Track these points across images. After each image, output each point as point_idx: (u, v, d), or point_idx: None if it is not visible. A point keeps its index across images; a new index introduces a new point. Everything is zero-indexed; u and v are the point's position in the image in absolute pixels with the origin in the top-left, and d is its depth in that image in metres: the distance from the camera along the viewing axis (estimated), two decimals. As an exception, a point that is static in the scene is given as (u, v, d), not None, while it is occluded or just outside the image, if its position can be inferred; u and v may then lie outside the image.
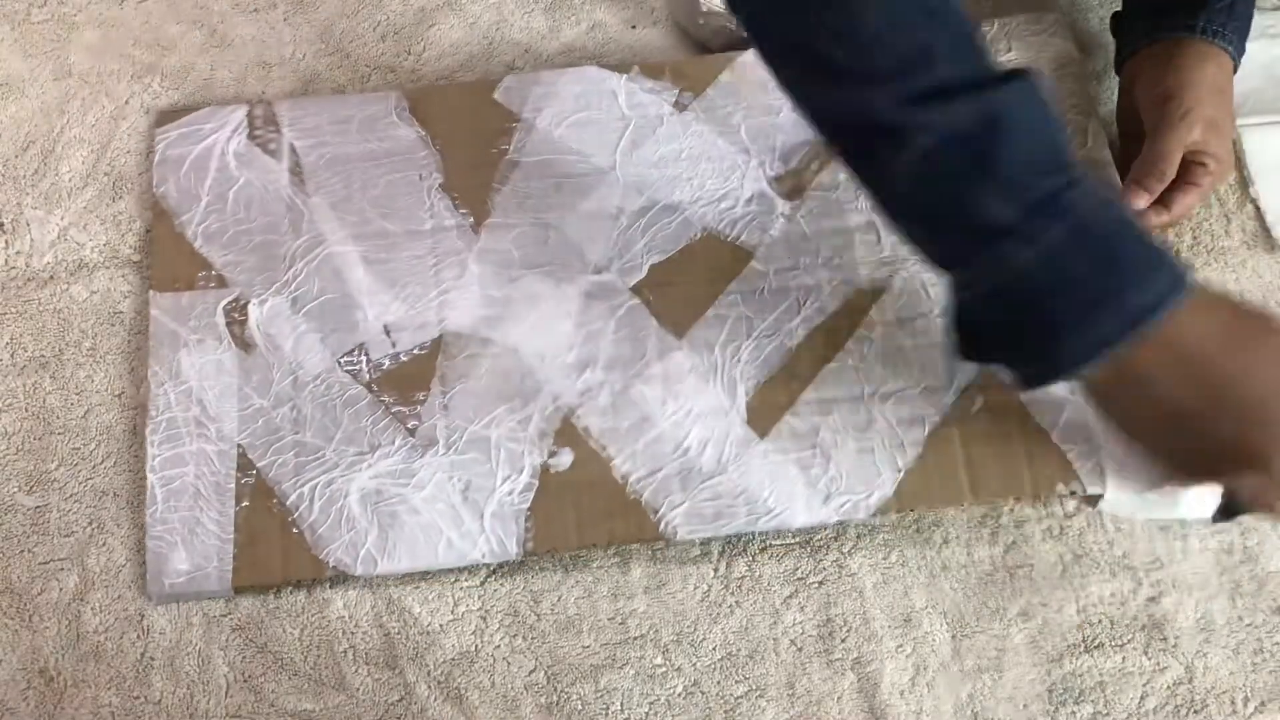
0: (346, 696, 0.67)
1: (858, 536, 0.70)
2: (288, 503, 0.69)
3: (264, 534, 0.68)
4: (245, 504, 0.69)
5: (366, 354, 0.72)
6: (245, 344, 0.72)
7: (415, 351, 0.72)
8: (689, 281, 0.73)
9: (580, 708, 0.67)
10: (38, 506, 0.72)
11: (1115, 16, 0.78)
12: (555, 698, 0.67)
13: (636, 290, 0.73)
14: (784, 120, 0.77)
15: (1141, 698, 0.66)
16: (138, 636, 0.69)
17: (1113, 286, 0.53)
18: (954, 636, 0.67)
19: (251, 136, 0.78)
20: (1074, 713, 0.66)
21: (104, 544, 0.71)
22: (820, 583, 0.69)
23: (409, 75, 0.84)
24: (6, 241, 0.79)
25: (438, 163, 0.77)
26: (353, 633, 0.69)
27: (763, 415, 0.70)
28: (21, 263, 0.78)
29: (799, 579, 0.69)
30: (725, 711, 0.67)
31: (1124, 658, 0.67)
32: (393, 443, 0.70)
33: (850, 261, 0.73)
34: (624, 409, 0.70)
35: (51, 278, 0.77)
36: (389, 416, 0.70)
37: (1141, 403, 0.55)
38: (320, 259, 0.74)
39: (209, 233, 0.75)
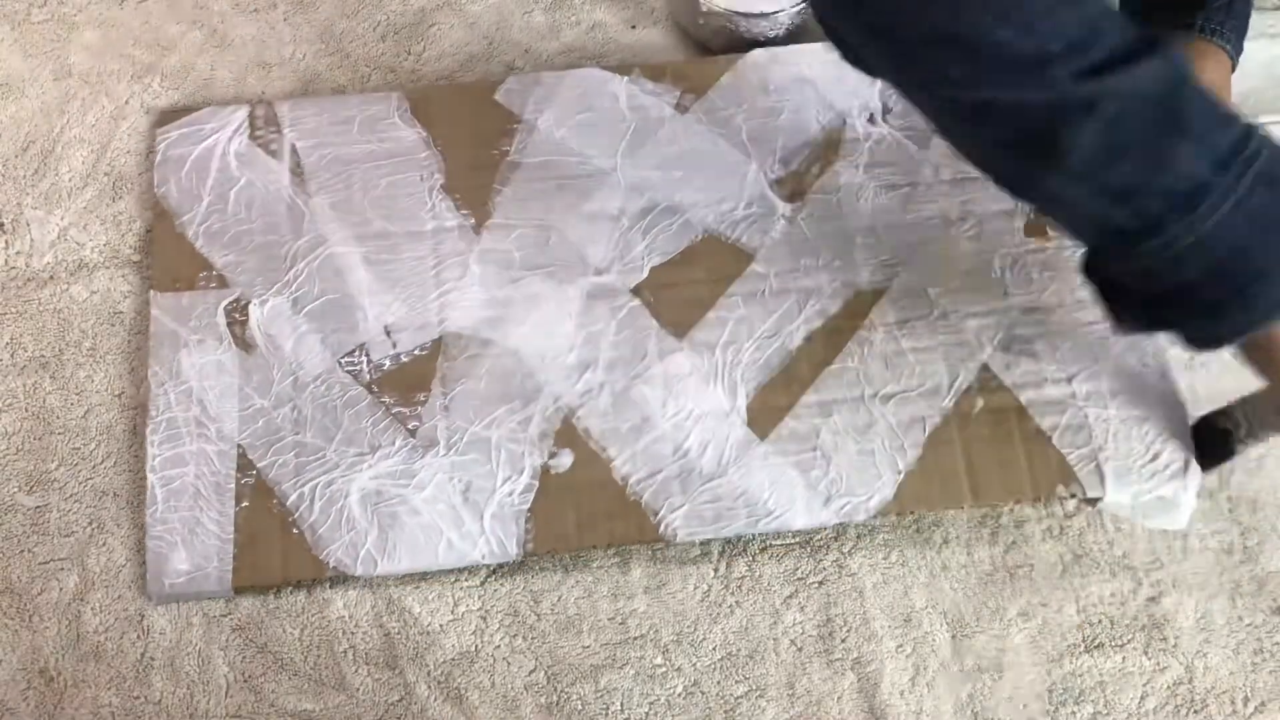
0: (346, 696, 0.67)
1: (858, 537, 0.70)
2: (288, 503, 0.69)
3: (264, 534, 0.68)
4: (245, 504, 0.69)
5: (367, 354, 0.72)
6: (246, 344, 0.72)
7: (416, 352, 0.72)
8: (690, 283, 0.73)
9: (580, 708, 0.67)
10: (38, 506, 0.72)
11: None
12: (555, 698, 0.67)
13: (637, 291, 0.73)
14: (785, 122, 0.77)
15: (1141, 698, 0.66)
16: (138, 636, 0.69)
17: None
18: (954, 636, 0.68)
19: (253, 137, 0.78)
20: (1074, 713, 0.66)
21: (104, 544, 0.71)
22: (820, 583, 0.69)
23: (409, 75, 0.84)
24: (6, 241, 0.79)
25: (439, 164, 0.77)
26: (353, 633, 0.69)
27: (763, 417, 0.70)
28: (21, 263, 0.78)
29: (799, 579, 0.69)
30: (725, 711, 0.67)
31: (1124, 658, 0.67)
32: (393, 443, 0.70)
33: (851, 264, 0.73)
34: (624, 410, 0.70)
35: (51, 278, 0.77)
36: (389, 417, 0.70)
37: None
38: (321, 259, 0.74)
39: (210, 233, 0.75)
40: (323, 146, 0.78)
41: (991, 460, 0.68)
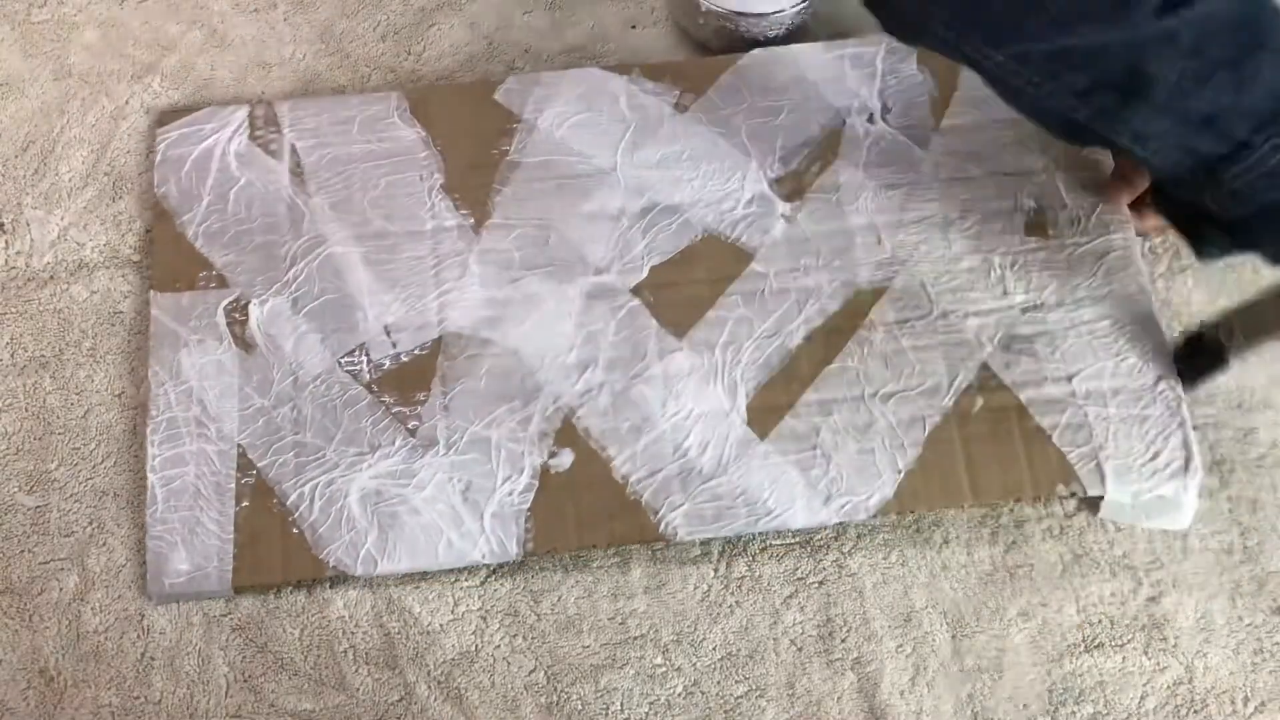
0: (346, 696, 0.67)
1: (858, 536, 0.70)
2: (288, 503, 0.69)
3: (264, 534, 0.68)
4: (245, 504, 0.69)
5: (367, 354, 0.72)
6: (246, 344, 0.72)
7: (416, 352, 0.72)
8: (689, 282, 0.73)
9: (580, 708, 0.67)
10: (38, 506, 0.72)
11: None
12: (555, 698, 0.67)
13: (637, 291, 0.73)
14: (784, 122, 0.77)
15: (1141, 698, 0.66)
16: (138, 636, 0.69)
17: None
18: (954, 636, 0.68)
19: (253, 137, 0.78)
20: (1074, 713, 0.66)
21: (104, 544, 0.71)
22: (820, 583, 0.69)
23: (409, 75, 0.84)
24: (6, 241, 0.79)
25: (439, 163, 0.77)
26: (353, 633, 0.69)
27: (763, 416, 0.70)
28: (21, 263, 0.78)
29: (799, 579, 0.69)
30: (725, 711, 0.67)
31: (1124, 658, 0.67)
32: (393, 443, 0.70)
33: (850, 263, 0.73)
34: (624, 410, 0.70)
35: (51, 278, 0.77)
36: (389, 417, 0.70)
37: None
38: (321, 259, 0.74)
39: (210, 233, 0.75)
40: (322, 146, 0.78)
41: (991, 459, 0.68)
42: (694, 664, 0.67)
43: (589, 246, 0.74)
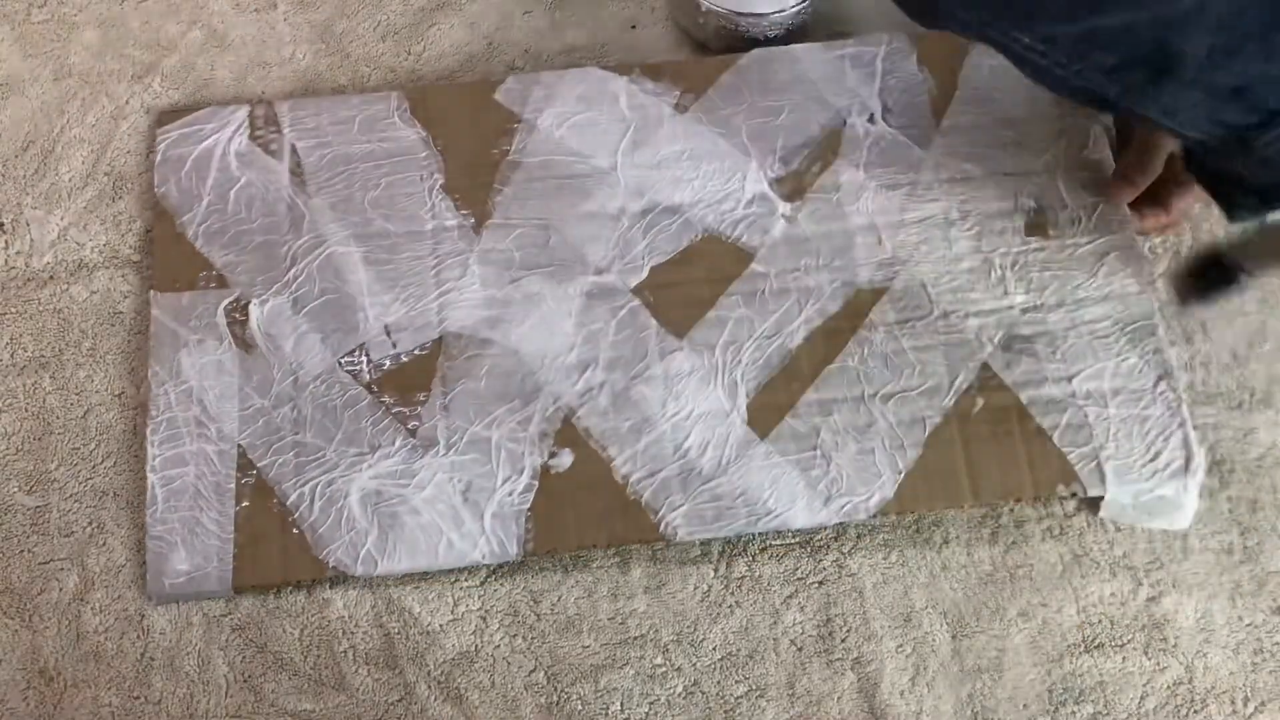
0: (346, 696, 0.67)
1: (858, 537, 0.70)
2: (288, 503, 0.69)
3: (264, 534, 0.68)
4: (245, 504, 0.69)
5: (367, 354, 0.72)
6: (246, 344, 0.72)
7: (416, 352, 0.72)
8: (690, 283, 0.73)
9: (580, 708, 0.67)
10: (38, 506, 0.72)
11: None
12: (555, 698, 0.67)
13: (637, 291, 0.73)
14: (785, 122, 0.77)
15: (1141, 698, 0.66)
16: (138, 636, 0.69)
17: None
18: (954, 636, 0.68)
19: (253, 136, 0.78)
20: (1074, 713, 0.66)
21: (104, 544, 0.71)
22: (820, 583, 0.69)
23: (409, 75, 0.84)
24: (6, 241, 0.79)
25: (439, 163, 0.77)
26: (353, 633, 0.69)
27: (763, 416, 0.70)
28: (21, 263, 0.78)
29: (799, 579, 0.69)
30: (725, 711, 0.67)
31: (1124, 658, 0.67)
32: (393, 443, 0.70)
33: (851, 263, 0.73)
34: (624, 410, 0.70)
35: (51, 278, 0.77)
36: (389, 417, 0.70)
37: None
38: (321, 259, 0.74)
39: (210, 233, 0.75)
40: (323, 146, 0.78)
41: (992, 459, 0.68)
42: (694, 664, 0.67)
43: (589, 246, 0.74)
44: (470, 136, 0.77)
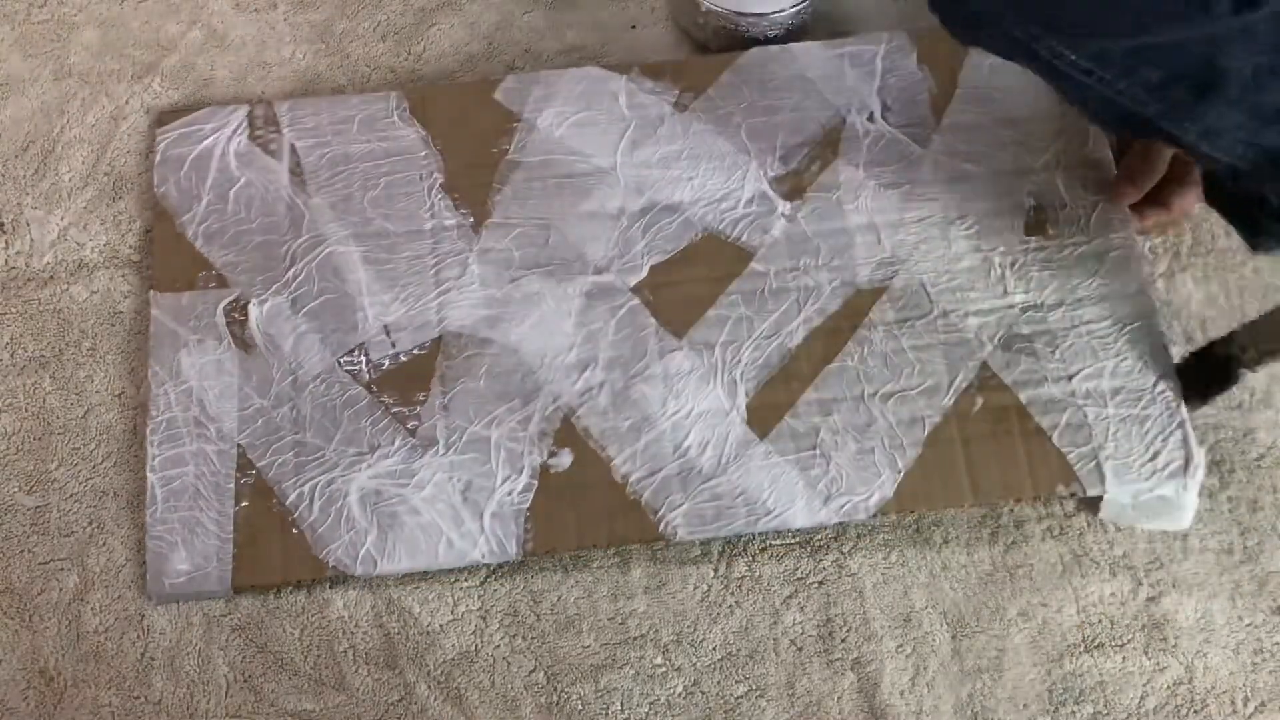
0: (346, 696, 0.67)
1: (858, 536, 0.70)
2: (287, 503, 0.69)
3: (264, 534, 0.68)
4: (245, 504, 0.69)
5: (366, 354, 0.72)
6: (245, 344, 0.72)
7: (415, 352, 0.72)
8: (689, 282, 0.73)
9: (580, 708, 0.67)
10: (38, 506, 0.72)
11: None
12: (555, 698, 0.67)
13: (637, 290, 0.73)
14: (784, 121, 0.77)
15: (1141, 698, 0.66)
16: (138, 636, 0.69)
17: None
18: (954, 636, 0.68)
19: (252, 136, 0.78)
20: (1074, 713, 0.66)
21: (104, 544, 0.71)
22: (820, 583, 0.69)
23: (409, 75, 0.84)
24: (6, 241, 0.79)
25: (438, 163, 0.77)
26: (353, 633, 0.69)
27: (763, 416, 0.70)
28: (21, 263, 0.78)
29: (799, 579, 0.69)
30: (725, 711, 0.67)
31: (1124, 658, 0.67)
32: (392, 443, 0.70)
33: (850, 262, 0.73)
34: (624, 409, 0.70)
35: (51, 278, 0.77)
36: (389, 417, 0.70)
37: None
38: (320, 259, 0.74)
39: (209, 233, 0.75)
40: (322, 146, 0.78)
41: (991, 459, 0.68)
42: (694, 664, 0.67)
43: (589, 246, 0.74)
44: (470, 136, 0.77)
